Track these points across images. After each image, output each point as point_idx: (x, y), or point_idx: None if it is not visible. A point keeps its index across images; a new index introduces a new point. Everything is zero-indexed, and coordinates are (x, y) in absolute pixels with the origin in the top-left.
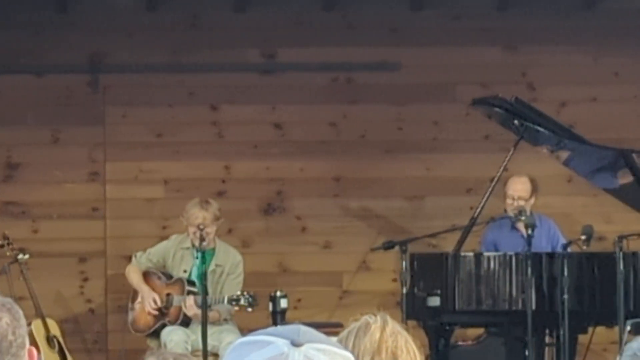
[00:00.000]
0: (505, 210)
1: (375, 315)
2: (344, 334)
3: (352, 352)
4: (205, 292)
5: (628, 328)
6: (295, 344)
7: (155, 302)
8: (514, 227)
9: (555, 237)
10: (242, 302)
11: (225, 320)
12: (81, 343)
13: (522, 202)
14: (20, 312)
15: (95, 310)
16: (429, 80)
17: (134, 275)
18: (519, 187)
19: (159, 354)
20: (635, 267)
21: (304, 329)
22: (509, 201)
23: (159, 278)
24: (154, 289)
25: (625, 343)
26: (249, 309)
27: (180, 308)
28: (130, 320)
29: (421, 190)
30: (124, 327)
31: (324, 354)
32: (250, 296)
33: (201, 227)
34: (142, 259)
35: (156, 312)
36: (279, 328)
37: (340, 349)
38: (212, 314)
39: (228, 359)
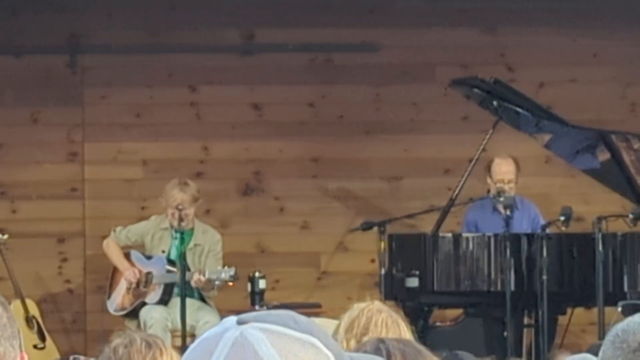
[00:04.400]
0: (488, 192)
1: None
2: None
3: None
4: (184, 271)
5: (619, 309)
6: (240, 322)
7: (135, 274)
8: (495, 210)
9: (536, 220)
10: (223, 276)
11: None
12: (60, 323)
13: (512, 185)
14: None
15: (74, 291)
16: (407, 61)
17: (113, 250)
18: (505, 170)
19: (125, 335)
20: (614, 248)
21: (298, 316)
22: (499, 185)
23: (139, 258)
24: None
25: (615, 323)
26: (230, 284)
27: (157, 286)
28: (108, 299)
29: (399, 171)
30: (103, 307)
31: (268, 334)
32: (231, 269)
33: (180, 207)
34: (122, 235)
35: (135, 285)
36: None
37: (304, 335)
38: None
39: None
